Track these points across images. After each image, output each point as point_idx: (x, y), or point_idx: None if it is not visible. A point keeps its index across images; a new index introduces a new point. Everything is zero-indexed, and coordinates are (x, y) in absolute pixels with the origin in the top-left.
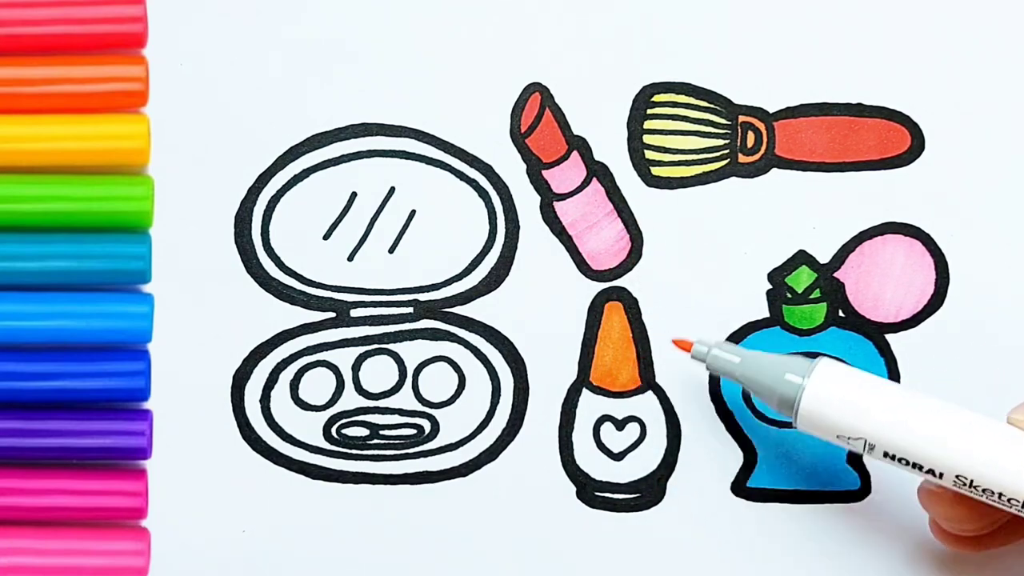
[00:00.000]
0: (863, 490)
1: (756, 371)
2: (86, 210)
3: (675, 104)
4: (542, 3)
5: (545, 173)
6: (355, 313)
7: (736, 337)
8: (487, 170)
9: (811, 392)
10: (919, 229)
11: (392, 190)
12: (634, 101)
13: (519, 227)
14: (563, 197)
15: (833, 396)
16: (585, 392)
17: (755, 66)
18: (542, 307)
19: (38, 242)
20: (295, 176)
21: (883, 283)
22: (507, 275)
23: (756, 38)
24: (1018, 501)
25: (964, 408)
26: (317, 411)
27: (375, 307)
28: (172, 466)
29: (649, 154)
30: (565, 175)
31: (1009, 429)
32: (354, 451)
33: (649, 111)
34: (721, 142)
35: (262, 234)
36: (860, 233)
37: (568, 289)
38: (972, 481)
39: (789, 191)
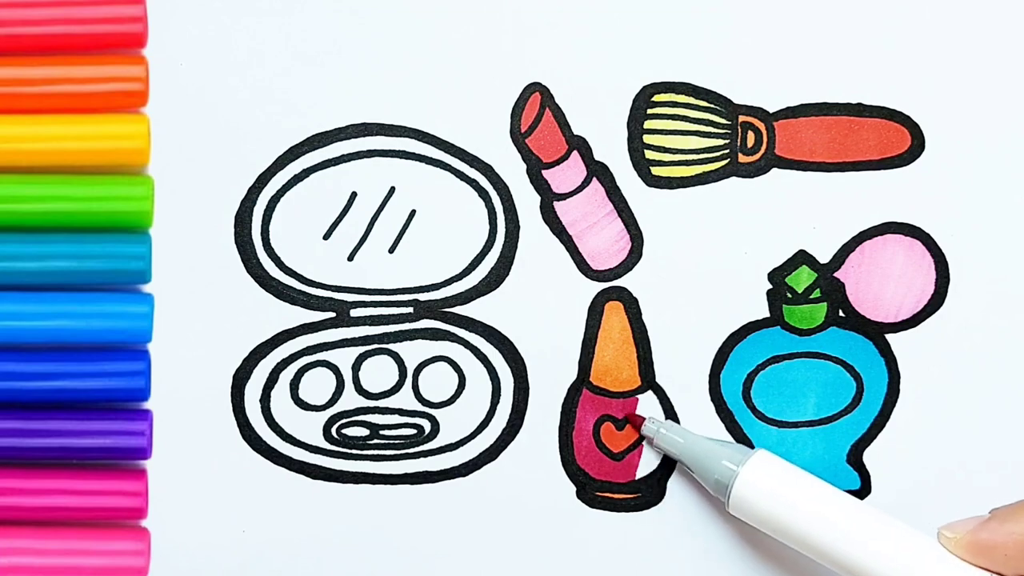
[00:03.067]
0: (863, 490)
1: (696, 454)
2: (86, 210)
3: (675, 104)
4: (542, 3)
5: (545, 173)
6: (355, 313)
7: (736, 337)
8: (487, 170)
9: (743, 479)
10: (919, 229)
11: (392, 190)
12: (634, 101)
13: (519, 227)
14: (563, 197)
15: (763, 487)
16: (585, 392)
17: (755, 66)
18: (542, 307)
19: (38, 242)
20: (295, 176)
21: (883, 283)
22: (507, 275)
23: (756, 38)
24: None
25: (895, 519)
26: (317, 411)
27: (375, 307)
28: (172, 466)
29: (649, 154)
30: (565, 175)
31: (933, 545)
32: (354, 451)
33: (649, 111)
34: (721, 142)
35: (262, 234)
36: (860, 233)
37: (568, 289)
38: None
39: (789, 191)
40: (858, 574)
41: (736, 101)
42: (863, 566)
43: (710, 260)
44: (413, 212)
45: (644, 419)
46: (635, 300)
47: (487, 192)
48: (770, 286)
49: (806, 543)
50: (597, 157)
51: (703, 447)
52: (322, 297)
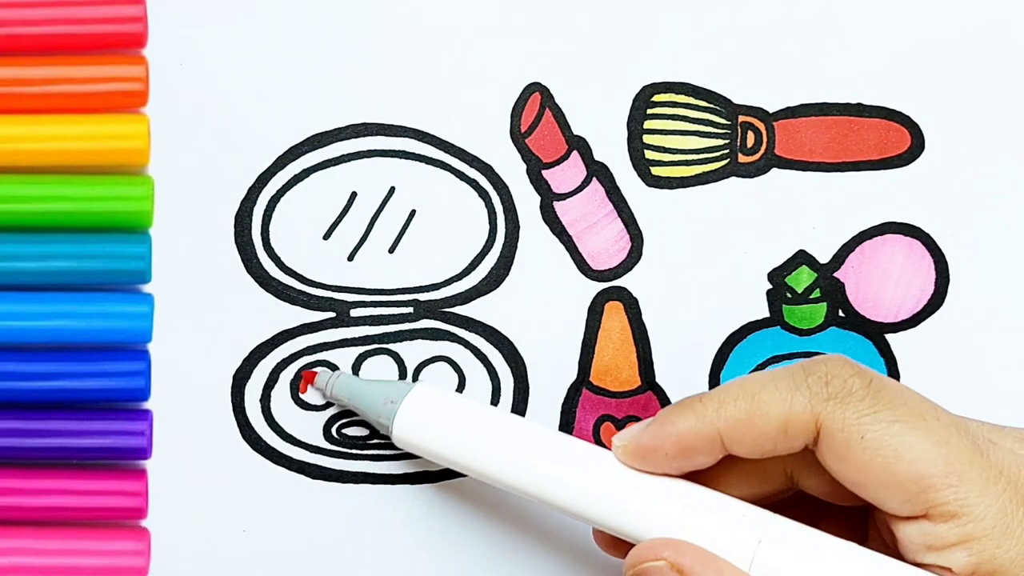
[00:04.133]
0: None
1: (364, 398)
2: (86, 210)
3: (675, 104)
4: (542, 3)
5: (545, 173)
6: (355, 313)
7: (736, 337)
8: (487, 170)
9: (402, 415)
10: (919, 229)
11: (392, 190)
12: (634, 101)
13: (519, 227)
14: (563, 197)
15: (422, 420)
16: (585, 392)
17: (755, 66)
18: (542, 307)
19: (38, 242)
20: (295, 176)
21: (883, 283)
22: (507, 275)
23: (756, 38)
24: (588, 520)
25: (572, 438)
26: (317, 411)
27: (375, 307)
28: (172, 466)
29: (649, 154)
30: (565, 175)
31: (609, 457)
32: (354, 451)
33: (649, 111)
34: (721, 142)
35: (262, 234)
36: (860, 233)
37: (568, 289)
38: (542, 502)
39: (789, 191)
40: (532, 493)
41: (736, 101)
42: (535, 484)
43: (710, 260)
44: (413, 212)
45: (316, 373)
46: (635, 300)
47: (487, 192)
48: (770, 286)
49: (471, 468)
50: (597, 157)
51: (369, 389)
52: (322, 297)
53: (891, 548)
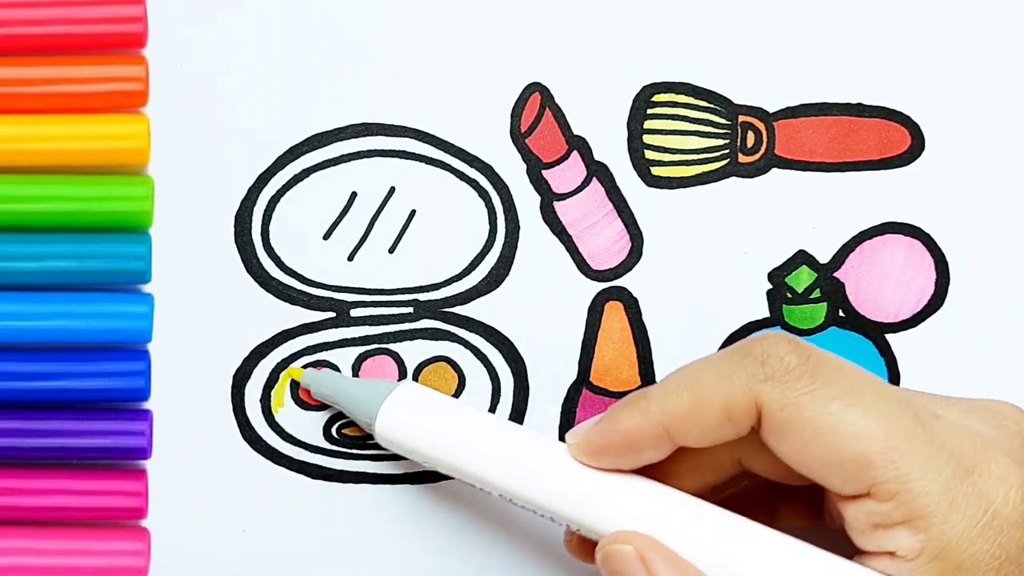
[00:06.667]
0: None
1: (348, 397)
2: (86, 210)
3: (675, 104)
4: (542, 3)
5: (545, 173)
6: (355, 313)
7: (736, 337)
8: (487, 170)
9: (384, 413)
10: (919, 229)
11: (392, 190)
12: (634, 101)
13: (519, 227)
14: (563, 197)
15: (404, 419)
16: (585, 392)
17: (755, 66)
18: (542, 307)
19: (38, 242)
20: (295, 176)
21: (883, 283)
22: (507, 275)
23: (756, 38)
24: (553, 515)
25: (520, 427)
26: (317, 411)
27: (375, 307)
28: (172, 466)
29: (649, 154)
30: (565, 175)
31: (553, 447)
32: (354, 451)
33: (649, 111)
34: (721, 142)
35: (262, 234)
36: (860, 233)
37: (568, 289)
38: (510, 498)
39: (789, 191)
40: (502, 490)
41: (736, 101)
42: (502, 481)
43: (710, 260)
44: (413, 212)
45: (303, 371)
46: (635, 300)
47: (487, 192)
48: (770, 286)
49: (445, 465)
50: (597, 157)
51: (353, 388)
52: (322, 297)
53: (843, 529)
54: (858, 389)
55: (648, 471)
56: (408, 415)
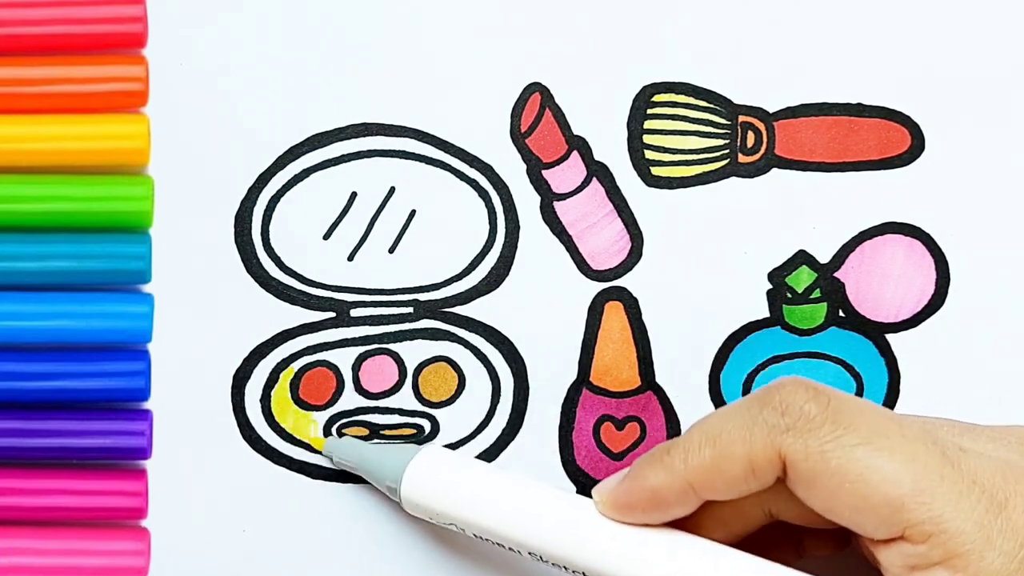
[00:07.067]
0: None
1: (371, 464)
2: (86, 210)
3: (675, 104)
4: (542, 3)
5: (545, 173)
6: (355, 313)
7: (736, 337)
8: (487, 170)
9: (408, 480)
10: (919, 229)
11: (392, 190)
12: (634, 101)
13: (519, 227)
14: (563, 197)
15: (425, 484)
16: (585, 392)
17: (755, 66)
18: (542, 307)
19: (38, 242)
20: (295, 176)
21: (883, 283)
22: (507, 275)
23: (756, 38)
24: (585, 571)
25: (545, 486)
26: (317, 411)
27: (375, 307)
28: (172, 466)
29: (649, 154)
30: (565, 175)
31: (582, 503)
32: None
33: (649, 111)
34: (721, 142)
35: (262, 234)
36: (860, 233)
37: (568, 289)
38: (541, 556)
39: (789, 191)
40: (534, 548)
41: (736, 101)
42: (532, 542)
43: (710, 260)
44: (413, 212)
45: (325, 441)
46: (635, 300)
47: (487, 192)
48: (770, 286)
49: (475, 527)
50: (597, 157)
51: (374, 455)
52: (322, 297)
53: (877, 570)
54: (882, 432)
55: (678, 523)
56: (432, 478)
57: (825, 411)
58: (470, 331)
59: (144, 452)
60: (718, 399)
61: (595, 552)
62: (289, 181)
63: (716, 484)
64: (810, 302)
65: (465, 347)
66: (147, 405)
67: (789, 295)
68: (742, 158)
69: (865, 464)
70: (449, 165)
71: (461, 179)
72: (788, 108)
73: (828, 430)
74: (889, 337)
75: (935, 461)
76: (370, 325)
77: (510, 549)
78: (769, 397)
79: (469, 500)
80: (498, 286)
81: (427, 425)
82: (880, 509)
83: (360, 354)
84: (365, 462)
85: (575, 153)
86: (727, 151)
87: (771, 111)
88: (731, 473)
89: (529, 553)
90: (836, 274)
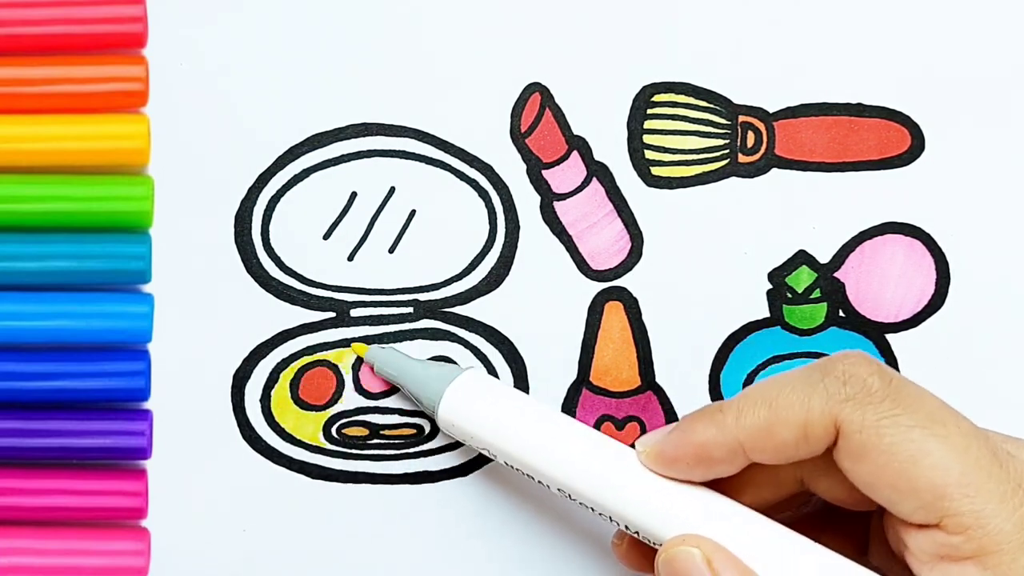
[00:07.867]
0: None
1: (413, 377)
2: (86, 210)
3: (675, 104)
4: (542, 3)
5: (545, 173)
6: (355, 313)
7: (736, 337)
8: (487, 170)
9: (448, 397)
10: (919, 229)
11: (392, 190)
12: (634, 101)
13: (519, 227)
14: (563, 197)
15: (464, 407)
16: (585, 392)
17: (755, 66)
18: (542, 307)
19: (38, 242)
20: (295, 176)
21: (883, 283)
22: (507, 275)
23: (756, 38)
24: (614, 515)
25: (585, 426)
26: (317, 411)
27: (375, 307)
28: (172, 466)
29: (649, 154)
30: (565, 175)
31: (620, 449)
32: (354, 451)
33: (649, 111)
34: (721, 142)
35: (262, 234)
36: (860, 233)
37: (568, 289)
38: (570, 494)
39: (789, 191)
40: (564, 485)
41: (736, 101)
42: (565, 477)
43: (710, 260)
44: (413, 212)
45: (368, 347)
46: (635, 300)
47: (487, 192)
48: (770, 286)
49: (510, 455)
50: (597, 157)
51: (418, 370)
52: (322, 297)
53: (897, 559)
54: (939, 420)
55: (711, 482)
56: (473, 402)
57: (887, 388)
58: (470, 331)
59: (144, 452)
60: (718, 399)
61: (629, 499)
62: (289, 181)
63: (766, 446)
64: (810, 302)
65: (465, 347)
66: (147, 405)
67: (789, 295)
68: (742, 158)
69: (918, 446)
70: (449, 165)
71: (461, 179)
72: (788, 108)
73: (888, 407)
74: (889, 337)
75: (985, 458)
76: (370, 325)
77: (539, 482)
78: (832, 366)
79: (506, 429)
80: (498, 286)
81: (427, 425)
82: (923, 493)
83: None
84: (407, 376)
85: (575, 153)
86: (727, 151)
87: (771, 111)
88: (783, 436)
89: (558, 489)
90: (836, 274)
